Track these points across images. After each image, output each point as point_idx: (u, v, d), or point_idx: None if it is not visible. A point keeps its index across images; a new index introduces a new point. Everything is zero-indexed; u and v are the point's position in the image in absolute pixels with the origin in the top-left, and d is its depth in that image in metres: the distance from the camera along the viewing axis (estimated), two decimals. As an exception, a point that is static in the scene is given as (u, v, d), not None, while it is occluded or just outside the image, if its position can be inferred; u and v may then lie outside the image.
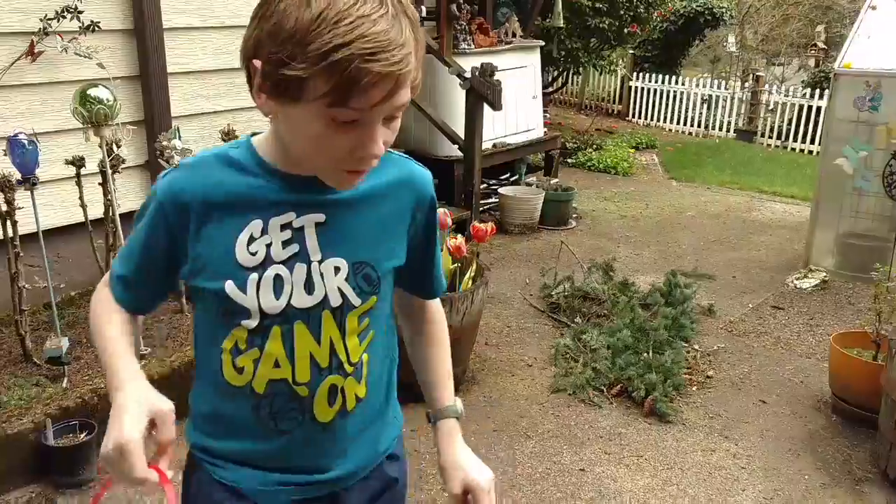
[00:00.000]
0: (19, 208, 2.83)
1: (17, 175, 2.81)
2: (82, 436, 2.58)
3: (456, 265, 3.30)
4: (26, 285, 2.90)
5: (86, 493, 2.54)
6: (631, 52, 10.63)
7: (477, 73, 4.88)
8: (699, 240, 5.58)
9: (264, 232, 1.01)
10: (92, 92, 2.78)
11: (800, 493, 2.71)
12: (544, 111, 7.31)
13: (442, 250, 3.23)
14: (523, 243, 5.36)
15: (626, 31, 8.09)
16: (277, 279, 1.02)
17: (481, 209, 5.57)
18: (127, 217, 2.66)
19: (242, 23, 1.05)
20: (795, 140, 9.22)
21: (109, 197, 3.06)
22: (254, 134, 1.06)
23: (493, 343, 3.80)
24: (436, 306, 1.26)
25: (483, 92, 4.89)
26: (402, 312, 1.25)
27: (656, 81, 10.30)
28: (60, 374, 2.86)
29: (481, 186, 5.48)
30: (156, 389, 0.98)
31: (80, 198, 3.07)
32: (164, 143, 3.01)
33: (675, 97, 10.16)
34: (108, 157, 2.98)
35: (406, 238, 1.12)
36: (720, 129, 9.94)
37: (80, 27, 3.25)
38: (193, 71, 3.80)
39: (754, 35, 12.85)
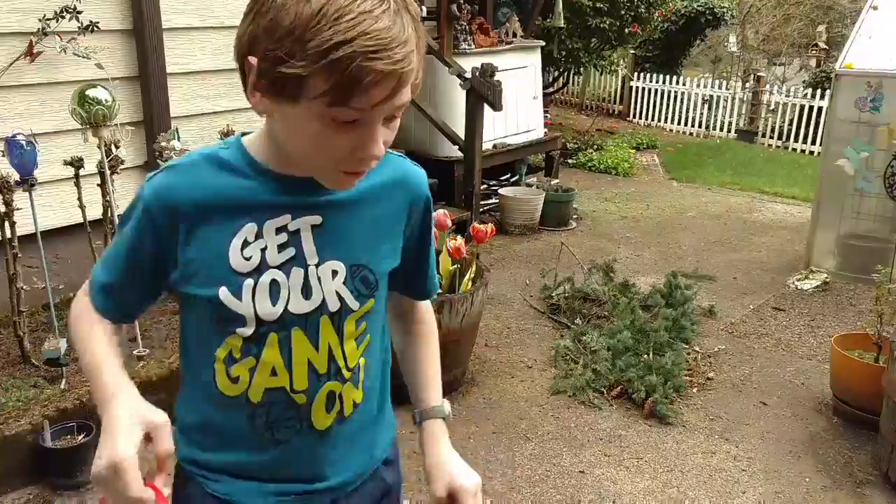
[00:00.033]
0: (17, 209, 2.82)
1: (16, 176, 2.80)
2: (80, 437, 2.57)
3: (455, 266, 3.29)
4: (25, 286, 2.89)
5: (84, 494, 2.53)
6: (632, 52, 10.62)
7: (477, 74, 4.87)
8: (700, 241, 5.57)
9: (259, 236, 0.98)
10: (90, 93, 2.77)
11: (801, 495, 2.70)
12: (545, 111, 7.30)
13: (441, 251, 3.25)
14: (523, 244, 5.35)
15: (626, 31, 8.07)
16: (274, 284, 0.98)
17: (481, 210, 5.56)
18: (125, 218, 2.64)
19: (242, 23, 1.02)
20: (796, 140, 9.21)
21: (108, 198, 3.05)
22: (244, 134, 1.03)
23: (492, 344, 3.79)
24: (426, 306, 1.24)
25: (483, 92, 4.87)
26: (393, 312, 1.22)
27: (657, 82, 10.28)
28: (58, 375, 2.85)
29: (481, 187, 5.47)
30: (147, 401, 0.94)
31: (79, 198, 3.06)
32: (163, 143, 3.00)
33: (675, 97, 10.15)
34: (107, 157, 2.96)
35: (402, 239, 1.10)
36: (721, 129, 9.93)
37: (78, 27, 3.24)
38: (193, 71, 3.79)
39: (755, 35, 12.83)
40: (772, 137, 9.52)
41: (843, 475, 2.81)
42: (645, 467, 2.83)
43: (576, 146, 8.17)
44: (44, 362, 2.88)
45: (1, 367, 2.96)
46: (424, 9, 5.78)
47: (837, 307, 4.37)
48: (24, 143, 2.73)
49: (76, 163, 2.98)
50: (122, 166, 3.16)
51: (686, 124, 10.13)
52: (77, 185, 3.03)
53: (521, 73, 6.17)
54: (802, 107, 9.09)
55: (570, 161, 7.76)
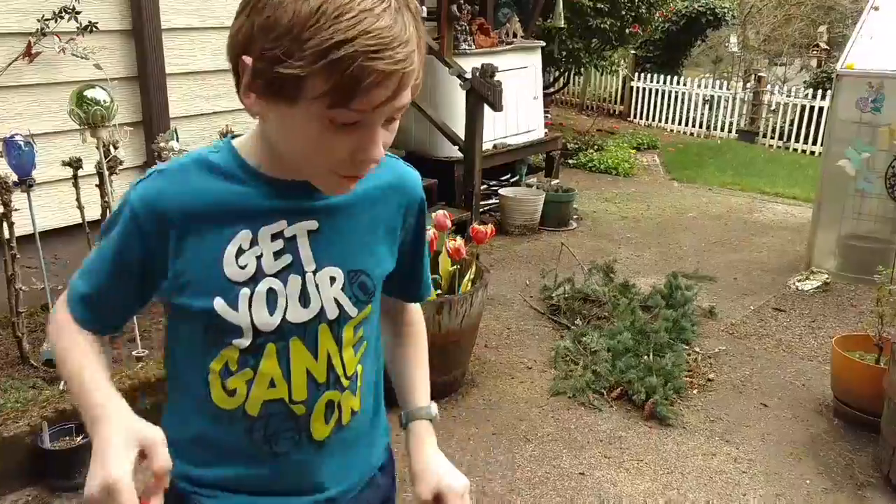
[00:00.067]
0: (16, 210, 2.81)
1: (14, 177, 2.79)
2: (79, 439, 2.56)
3: (455, 267, 3.28)
4: (23, 287, 2.89)
5: (82, 496, 2.52)
6: (632, 52, 10.61)
7: (477, 74, 4.86)
8: (700, 241, 5.56)
9: (254, 243, 0.94)
10: (89, 93, 2.77)
11: (801, 497, 2.69)
12: (545, 112, 7.30)
13: (441, 252, 3.24)
14: (524, 244, 5.34)
15: (627, 31, 8.07)
16: (271, 293, 0.95)
17: (481, 210, 5.55)
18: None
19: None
20: (797, 141, 9.20)
21: (107, 198, 3.04)
22: (234, 136, 0.99)
23: (492, 345, 3.78)
24: (416, 308, 1.22)
25: (483, 93, 4.87)
26: (382, 313, 1.17)
27: (658, 82, 10.27)
28: (57, 376, 2.85)
29: (482, 187, 5.47)
30: (140, 411, 0.90)
31: (78, 199, 3.05)
32: (162, 144, 2.99)
33: (676, 98, 10.14)
34: (106, 158, 2.96)
35: (397, 242, 1.07)
36: (722, 129, 9.92)
37: (77, 28, 3.24)
38: (192, 72, 3.78)
39: (756, 35, 12.83)
40: (773, 138, 9.51)
41: (843, 477, 2.80)
42: (645, 469, 2.82)
43: (576, 146, 8.17)
44: (42, 363, 2.88)
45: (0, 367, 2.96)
46: (425, 9, 5.78)
47: (838, 308, 4.36)
48: (22, 143, 2.72)
49: (75, 163, 2.97)
50: (121, 167, 3.15)
51: (687, 124, 10.12)
52: (76, 185, 3.03)
53: (521, 73, 6.16)
54: (803, 107, 9.08)
55: (570, 161, 7.76)
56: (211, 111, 3.88)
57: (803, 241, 5.17)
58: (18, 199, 2.81)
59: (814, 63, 12.13)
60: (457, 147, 5.23)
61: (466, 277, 3.27)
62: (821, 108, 8.67)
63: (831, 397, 3.27)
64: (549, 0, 6.96)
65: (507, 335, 3.91)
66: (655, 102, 10.36)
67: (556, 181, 6.23)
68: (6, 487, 2.51)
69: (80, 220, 3.10)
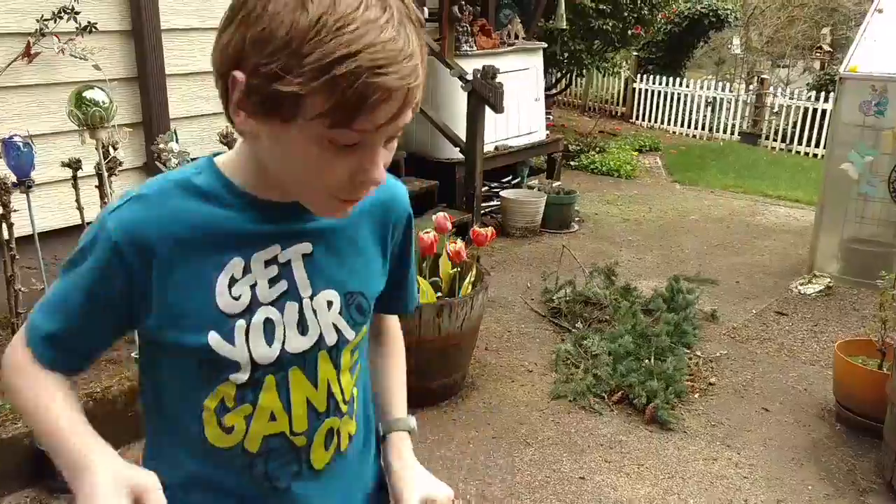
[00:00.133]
0: (14, 211, 2.80)
1: (13, 178, 2.78)
2: (76, 441, 2.55)
3: (456, 270, 3.26)
4: (23, 288, 2.88)
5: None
6: (635, 53, 10.61)
7: (479, 75, 4.85)
8: (702, 244, 5.54)
9: (247, 270, 0.88)
10: (87, 94, 2.75)
11: (803, 503, 2.67)
12: (547, 113, 7.28)
13: (441, 254, 3.23)
14: (525, 247, 5.33)
15: (629, 32, 8.06)
16: (268, 323, 0.89)
17: (483, 212, 5.54)
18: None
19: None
20: (800, 143, 9.18)
21: (106, 200, 3.03)
22: (215, 154, 0.92)
23: (493, 348, 3.76)
24: (393, 319, 1.18)
25: (485, 94, 4.85)
26: None
27: (660, 83, 10.26)
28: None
29: (483, 189, 5.45)
30: (131, 463, 0.85)
31: (77, 200, 3.04)
32: (161, 145, 2.98)
33: (679, 99, 10.13)
34: (105, 159, 2.95)
35: (388, 259, 1.04)
36: (724, 131, 9.90)
37: (77, 28, 3.22)
38: (192, 72, 3.77)
39: (759, 37, 12.81)
40: (775, 140, 9.49)
41: (846, 483, 2.78)
42: (646, 474, 2.80)
43: (578, 148, 8.15)
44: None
45: (-3, 369, 2.94)
46: (426, 10, 5.77)
47: (841, 312, 4.34)
48: (20, 144, 2.71)
49: (74, 164, 2.96)
50: (121, 168, 3.14)
51: (689, 126, 10.10)
52: (75, 186, 3.01)
53: (522, 74, 6.14)
54: (806, 109, 9.06)
55: (572, 163, 7.74)
56: (211, 112, 3.87)
57: (806, 245, 5.15)
58: (18, 199, 2.80)
59: (817, 65, 12.09)
60: (458, 148, 5.22)
61: (467, 280, 3.26)
62: (824, 111, 8.65)
63: (833, 402, 3.26)
64: (551, 1, 6.94)
65: (508, 338, 3.90)
66: (658, 104, 10.35)
67: (558, 183, 6.21)
68: (5, 489, 2.50)
69: (79, 221, 3.09)
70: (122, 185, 3.40)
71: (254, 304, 0.89)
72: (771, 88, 9.90)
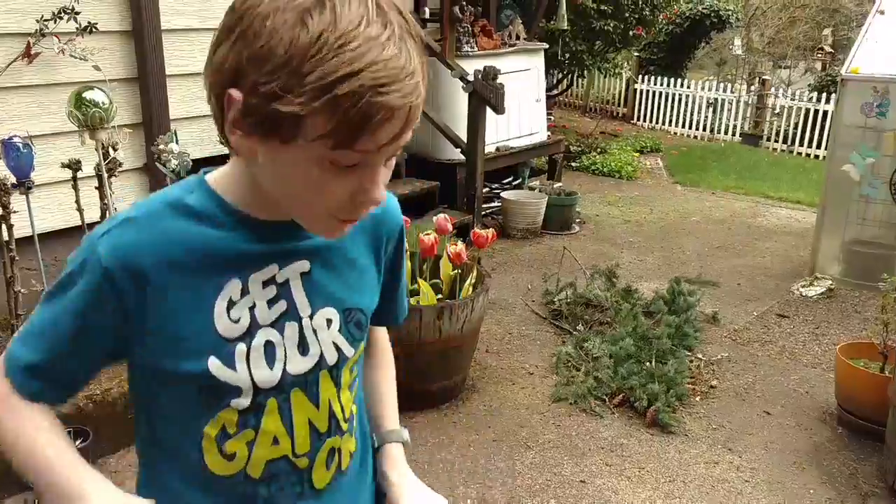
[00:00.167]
0: (14, 212, 2.79)
1: (13, 179, 2.77)
2: (77, 443, 2.54)
3: (456, 271, 3.26)
4: (22, 289, 2.87)
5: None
6: (636, 54, 10.59)
7: (480, 76, 4.84)
8: (703, 246, 5.53)
9: (245, 292, 0.86)
10: (87, 95, 2.74)
11: (805, 507, 2.66)
12: (548, 114, 7.27)
13: (442, 257, 3.22)
14: (526, 248, 5.32)
15: (631, 33, 8.04)
16: (268, 346, 0.87)
17: (484, 213, 5.53)
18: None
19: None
20: (802, 144, 9.16)
21: (106, 201, 3.02)
22: (206, 171, 0.89)
23: (493, 350, 3.75)
24: (381, 331, 1.17)
25: (486, 95, 4.84)
26: None
27: (661, 84, 10.25)
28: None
29: (484, 190, 5.44)
30: (128, 493, 0.84)
31: (77, 201, 3.03)
32: (162, 146, 2.97)
33: (680, 100, 10.12)
34: (105, 160, 2.94)
35: (381, 272, 1.03)
36: (725, 132, 9.89)
37: (77, 28, 3.21)
38: (193, 73, 3.76)
39: (760, 38, 12.81)
40: (776, 141, 9.47)
41: (847, 487, 2.77)
42: (647, 477, 2.79)
43: (579, 149, 8.14)
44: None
45: (-4, 371, 2.93)
46: (427, 10, 5.76)
47: (842, 314, 4.32)
48: (20, 145, 2.70)
49: (74, 165, 2.95)
50: (121, 168, 3.13)
51: (690, 127, 10.09)
52: (75, 187, 3.01)
53: (524, 75, 6.13)
54: (808, 110, 9.04)
55: (573, 164, 7.73)
56: (211, 113, 3.86)
57: (807, 247, 5.14)
58: (17, 201, 2.79)
59: (818, 66, 12.08)
60: (459, 149, 5.21)
61: (467, 282, 3.25)
62: (825, 112, 8.63)
63: (835, 405, 3.24)
64: (553, 2, 6.93)
65: (509, 340, 3.88)
66: (659, 105, 10.34)
67: (559, 184, 6.20)
68: (4, 492, 2.49)
69: (79, 223, 3.08)
70: (122, 185, 3.40)
71: (253, 327, 0.87)
72: (772, 89, 9.89)
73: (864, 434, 3.05)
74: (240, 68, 0.73)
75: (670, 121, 10.26)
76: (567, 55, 7.79)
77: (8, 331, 3.01)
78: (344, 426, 0.97)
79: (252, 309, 0.87)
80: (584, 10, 7.50)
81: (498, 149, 5.81)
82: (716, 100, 9.89)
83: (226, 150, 0.88)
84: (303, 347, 0.90)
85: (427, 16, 5.76)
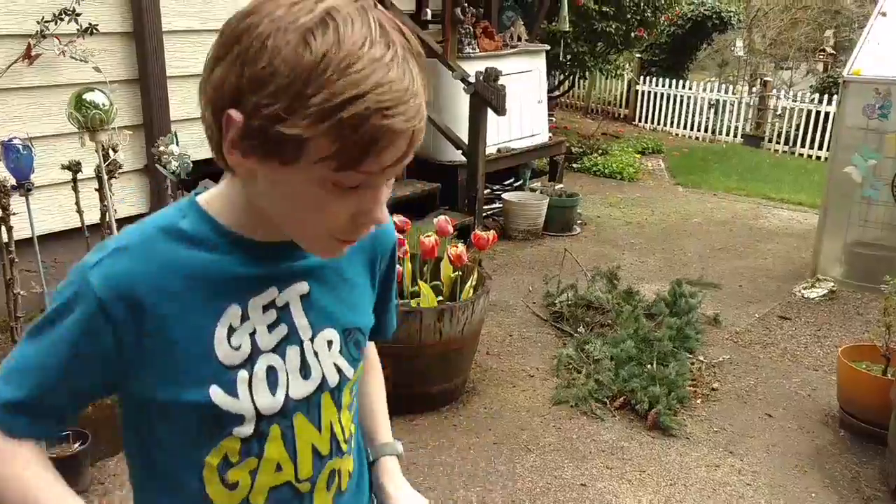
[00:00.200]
0: (14, 214, 2.79)
1: (13, 180, 2.77)
2: (76, 446, 2.54)
3: (457, 273, 3.25)
4: (22, 292, 2.86)
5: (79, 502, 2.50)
6: (638, 56, 10.58)
7: (481, 78, 4.83)
8: (705, 247, 5.52)
9: (244, 318, 0.84)
10: (87, 96, 2.74)
11: (806, 511, 2.65)
12: (550, 115, 7.26)
13: (443, 258, 3.21)
14: (527, 250, 5.31)
15: (632, 35, 8.03)
16: (271, 371, 0.85)
17: (485, 215, 5.52)
18: (124, 222, 2.62)
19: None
20: (803, 146, 9.14)
21: (106, 202, 3.02)
22: (196, 193, 0.87)
23: (494, 352, 3.74)
24: (370, 346, 1.15)
25: (487, 96, 4.84)
26: None
27: (663, 86, 10.24)
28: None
29: (485, 192, 5.43)
30: None
31: (77, 203, 3.03)
32: (162, 147, 2.97)
33: (681, 101, 10.10)
34: (105, 162, 2.93)
35: (376, 289, 1.01)
36: (727, 134, 9.88)
37: (77, 30, 3.22)
38: (193, 74, 3.76)
39: (762, 39, 12.79)
40: (778, 143, 9.46)
41: (850, 490, 2.76)
42: (648, 481, 2.78)
43: (581, 150, 8.13)
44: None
45: (-4, 372, 2.93)
46: (429, 11, 5.75)
47: (844, 316, 4.31)
48: (20, 146, 2.70)
49: (74, 167, 2.95)
50: (122, 170, 3.13)
51: (692, 129, 10.08)
52: (75, 189, 3.00)
53: (525, 77, 6.13)
54: (809, 112, 9.03)
55: (574, 165, 7.72)
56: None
57: (809, 248, 5.12)
58: (17, 202, 2.78)
59: (820, 67, 12.07)
60: (460, 151, 5.20)
61: (468, 284, 3.24)
62: (827, 113, 8.62)
63: (837, 408, 3.23)
64: (554, 3, 6.93)
65: (510, 342, 3.88)
66: (660, 106, 10.33)
67: (560, 186, 6.20)
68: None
69: (79, 224, 3.07)
70: (122, 187, 3.40)
71: (255, 353, 0.85)
72: (774, 91, 9.88)
73: (866, 437, 3.04)
74: (240, 88, 0.71)
75: (672, 122, 10.24)
76: (568, 56, 7.78)
77: (7, 333, 3.01)
78: (344, 447, 0.96)
79: (253, 335, 0.85)
80: (586, 11, 7.49)
81: (499, 150, 5.81)
82: (717, 101, 9.87)
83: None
84: (304, 371, 0.88)
85: (429, 17, 5.75)
